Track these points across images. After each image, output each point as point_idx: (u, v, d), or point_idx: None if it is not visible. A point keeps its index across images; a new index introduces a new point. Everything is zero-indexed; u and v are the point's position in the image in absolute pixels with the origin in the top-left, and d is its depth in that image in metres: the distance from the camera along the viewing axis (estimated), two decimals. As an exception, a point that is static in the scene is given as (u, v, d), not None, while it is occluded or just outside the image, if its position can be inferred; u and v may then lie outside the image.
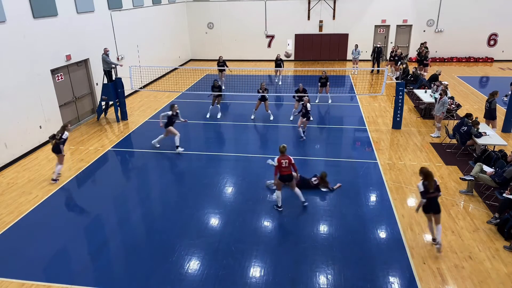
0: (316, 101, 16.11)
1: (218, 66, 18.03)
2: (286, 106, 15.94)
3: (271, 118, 14.04)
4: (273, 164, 8.63)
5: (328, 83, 15.84)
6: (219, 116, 14.63)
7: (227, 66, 18.18)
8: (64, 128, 9.82)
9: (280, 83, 19.79)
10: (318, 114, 15.06)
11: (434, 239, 7.09)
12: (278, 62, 19.26)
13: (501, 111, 12.58)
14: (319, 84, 15.85)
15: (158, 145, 11.70)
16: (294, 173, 8.31)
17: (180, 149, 11.40)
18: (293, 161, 8.12)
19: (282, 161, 8.06)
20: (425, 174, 6.79)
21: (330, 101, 16.15)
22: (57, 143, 9.65)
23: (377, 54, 20.96)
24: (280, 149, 8.15)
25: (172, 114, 11.17)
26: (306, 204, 8.53)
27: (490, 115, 11.98)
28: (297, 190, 8.45)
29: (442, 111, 11.96)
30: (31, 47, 11.55)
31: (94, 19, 14.74)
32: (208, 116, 14.72)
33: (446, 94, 12.15)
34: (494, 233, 7.52)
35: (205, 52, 25.89)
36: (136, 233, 7.84)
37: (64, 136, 9.74)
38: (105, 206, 8.85)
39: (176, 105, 11.30)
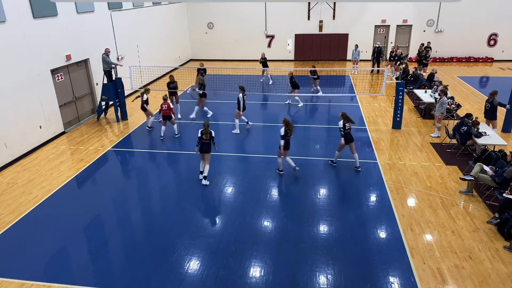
0: (319, 94, 16.80)
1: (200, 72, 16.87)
2: (280, 106, 15.92)
3: None
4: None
5: (317, 78, 16.57)
6: (178, 116, 14.37)
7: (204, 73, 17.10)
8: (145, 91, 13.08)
9: (270, 82, 19.34)
10: (318, 114, 15.06)
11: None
12: (263, 61, 18.96)
13: (501, 111, 12.58)
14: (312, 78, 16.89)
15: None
16: (173, 115, 12.36)
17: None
18: (171, 106, 12.18)
19: (163, 106, 12.01)
20: (286, 123, 9.52)
21: (320, 93, 16.68)
22: (142, 104, 12.97)
23: (377, 54, 20.96)
24: (163, 97, 12.17)
25: None
26: (162, 138, 12.38)
27: (490, 115, 11.98)
28: (175, 126, 12.58)
29: (441, 111, 11.96)
30: (31, 47, 11.55)
31: (94, 19, 14.74)
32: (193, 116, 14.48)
33: (445, 95, 12.15)
34: (494, 233, 7.52)
35: (205, 52, 25.89)
36: (136, 233, 7.84)
37: (143, 98, 12.82)
38: (105, 206, 8.85)
39: None
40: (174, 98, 14.48)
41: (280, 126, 13.61)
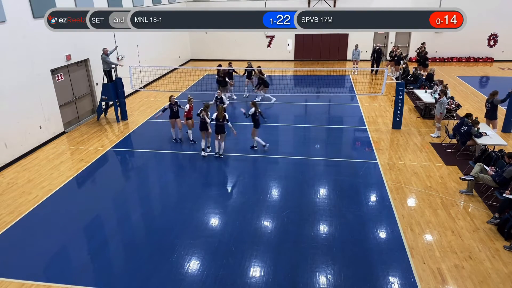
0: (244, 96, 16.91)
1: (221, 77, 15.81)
2: (280, 106, 15.93)
3: None
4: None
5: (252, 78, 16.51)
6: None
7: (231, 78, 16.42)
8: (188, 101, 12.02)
9: (247, 95, 17.12)
10: (318, 114, 15.06)
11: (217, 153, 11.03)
12: (249, 71, 16.64)
13: (501, 111, 12.58)
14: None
15: None
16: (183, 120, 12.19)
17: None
18: (186, 109, 11.68)
19: (188, 109, 11.78)
20: (206, 106, 10.68)
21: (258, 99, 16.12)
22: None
23: (378, 55, 20.93)
24: (188, 98, 11.94)
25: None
26: (192, 142, 12.21)
27: (490, 115, 11.98)
28: (189, 132, 12.34)
29: (440, 112, 11.96)
30: (31, 47, 11.55)
31: (94, 19, 14.70)
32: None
33: (445, 95, 12.14)
34: (494, 233, 7.52)
35: (205, 52, 25.90)
36: (136, 233, 7.84)
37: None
38: (105, 206, 8.85)
39: None
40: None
41: (280, 125, 13.68)
